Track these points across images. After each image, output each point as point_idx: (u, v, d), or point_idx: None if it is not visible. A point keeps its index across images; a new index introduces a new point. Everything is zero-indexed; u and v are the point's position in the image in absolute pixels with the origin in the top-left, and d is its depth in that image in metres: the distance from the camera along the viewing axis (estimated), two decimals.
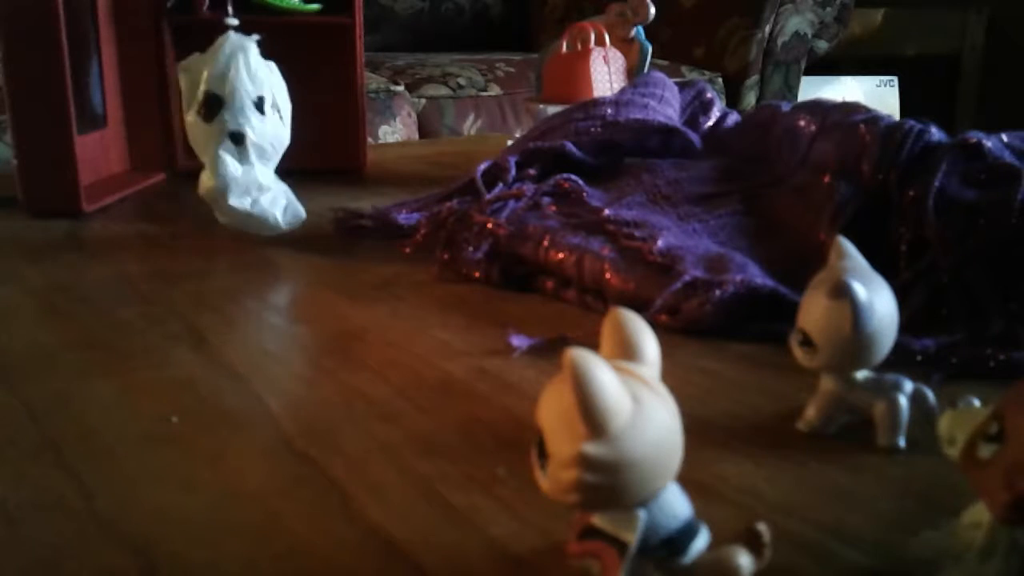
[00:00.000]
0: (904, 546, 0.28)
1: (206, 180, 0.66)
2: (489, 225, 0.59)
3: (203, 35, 0.89)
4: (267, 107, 0.66)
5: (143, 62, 0.89)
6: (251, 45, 0.66)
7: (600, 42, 0.89)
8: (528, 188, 0.64)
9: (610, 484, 0.24)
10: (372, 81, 1.63)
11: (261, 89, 0.66)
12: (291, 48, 0.94)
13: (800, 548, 0.30)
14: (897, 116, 0.70)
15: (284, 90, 0.68)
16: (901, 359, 0.39)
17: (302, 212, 0.67)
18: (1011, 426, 0.24)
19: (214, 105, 0.64)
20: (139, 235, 0.72)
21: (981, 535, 0.25)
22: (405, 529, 0.31)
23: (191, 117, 0.66)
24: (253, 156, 0.65)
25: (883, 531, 0.31)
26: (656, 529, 0.25)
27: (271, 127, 0.66)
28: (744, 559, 0.25)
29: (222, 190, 0.65)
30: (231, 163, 0.65)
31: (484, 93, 1.75)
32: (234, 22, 0.68)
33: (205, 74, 0.64)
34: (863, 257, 0.37)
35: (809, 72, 2.12)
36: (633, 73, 0.92)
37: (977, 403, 0.27)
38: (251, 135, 0.65)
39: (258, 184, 0.66)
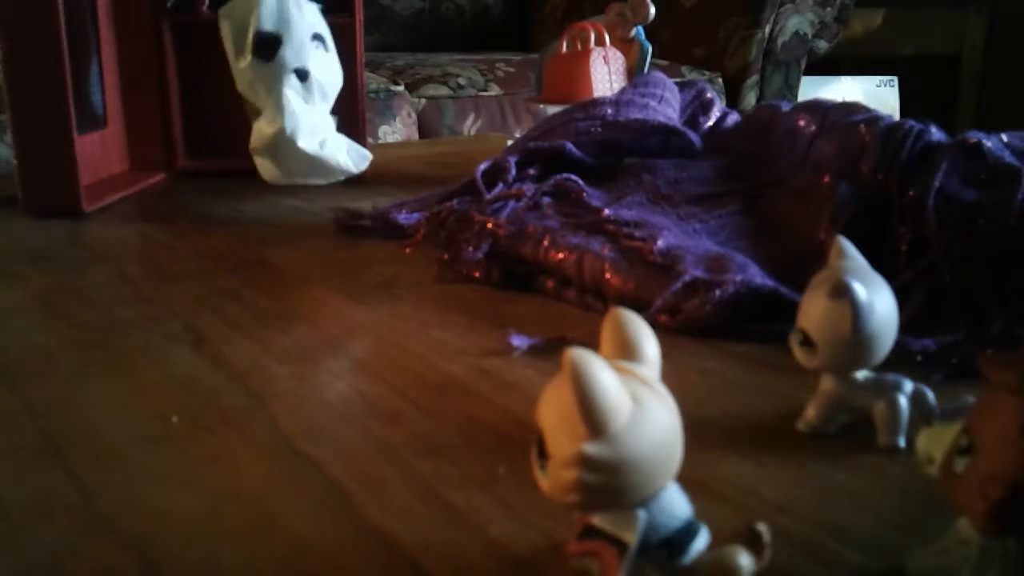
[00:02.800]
0: (902, 554, 0.28)
1: (266, 126, 0.62)
2: (489, 225, 0.59)
3: (203, 35, 0.89)
4: (323, 44, 0.63)
5: (143, 62, 0.89)
6: None
7: (600, 42, 0.89)
8: (528, 188, 0.64)
9: (610, 484, 0.24)
10: (372, 81, 1.63)
11: (315, 26, 0.63)
12: None
13: (800, 548, 0.30)
14: (897, 116, 0.70)
15: (327, 28, 0.65)
16: (901, 359, 0.39)
17: (368, 153, 0.64)
18: (978, 438, 0.25)
19: (271, 43, 0.62)
20: (139, 235, 0.72)
21: (974, 549, 0.25)
22: (405, 529, 0.31)
23: (245, 61, 0.62)
24: (317, 96, 0.63)
25: (883, 531, 0.31)
26: (656, 529, 0.25)
27: (330, 65, 0.64)
28: (744, 559, 0.25)
29: (291, 131, 0.61)
30: (298, 102, 0.62)
31: (484, 93, 1.75)
32: None
33: (256, 13, 0.61)
34: (863, 257, 0.37)
35: (809, 72, 2.12)
36: (633, 73, 0.92)
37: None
38: (314, 72, 0.62)
39: (325, 124, 0.63)
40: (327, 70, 0.63)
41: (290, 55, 0.61)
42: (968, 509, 0.25)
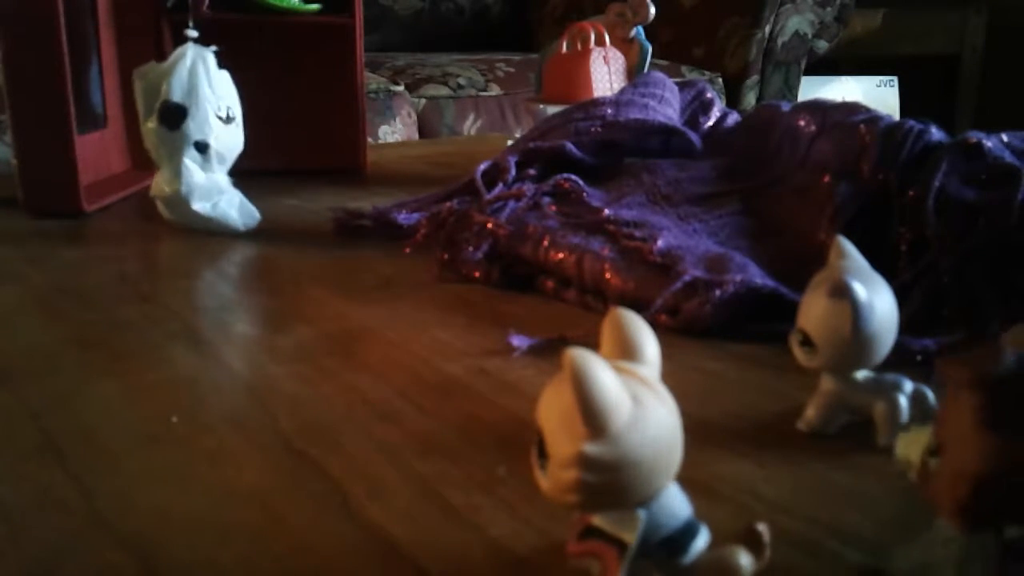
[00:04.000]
0: (885, 553, 0.29)
1: (164, 185, 0.69)
2: (489, 225, 0.59)
3: (203, 35, 0.89)
4: (225, 116, 0.69)
5: (143, 62, 0.88)
6: (210, 56, 0.69)
7: (600, 42, 0.89)
8: (528, 188, 0.64)
9: (610, 484, 0.24)
10: (372, 81, 1.63)
11: (223, 99, 0.69)
12: (291, 48, 0.94)
13: (800, 548, 0.30)
14: (897, 116, 0.70)
15: (236, 98, 0.71)
16: (901, 359, 0.39)
17: (256, 213, 0.71)
18: (944, 438, 0.25)
19: (177, 114, 0.67)
20: (139, 235, 0.72)
21: (955, 547, 0.25)
22: (405, 529, 0.31)
23: (151, 123, 0.68)
24: (214, 163, 0.69)
25: (883, 531, 0.31)
26: (656, 529, 0.25)
27: (231, 135, 0.70)
28: (744, 559, 0.25)
29: (186, 195, 0.68)
30: (196, 170, 0.68)
31: (484, 93, 1.75)
32: (194, 34, 0.70)
33: (165, 84, 0.67)
34: (863, 257, 0.37)
35: (809, 72, 2.12)
36: (633, 73, 0.92)
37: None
38: (214, 144, 0.68)
39: (218, 188, 0.69)
40: (227, 140, 0.69)
41: (193, 128, 0.67)
42: (942, 508, 0.25)
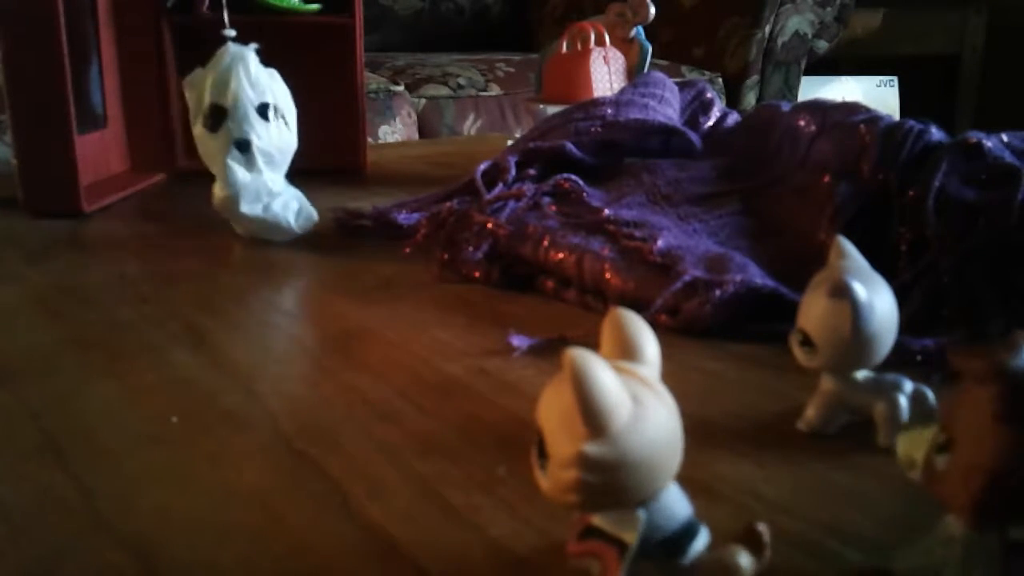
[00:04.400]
0: (888, 554, 0.29)
1: (218, 191, 0.66)
2: (489, 225, 0.59)
3: (203, 35, 0.89)
4: (270, 113, 0.66)
5: (143, 62, 0.89)
6: (250, 53, 0.67)
7: (600, 42, 0.89)
8: (528, 188, 0.64)
9: (610, 484, 0.24)
10: (372, 81, 1.63)
11: (263, 96, 0.66)
12: (291, 48, 0.94)
13: (800, 548, 0.30)
14: (897, 116, 0.70)
15: (288, 96, 0.69)
16: (901, 359, 0.39)
17: (314, 215, 0.68)
18: (955, 432, 0.25)
19: (218, 115, 0.65)
20: (139, 235, 0.72)
21: (957, 548, 0.25)
22: (405, 529, 0.31)
23: (198, 129, 0.66)
24: (261, 163, 0.66)
25: (883, 531, 0.31)
26: (656, 529, 0.25)
27: (276, 133, 0.67)
28: (744, 559, 0.25)
29: (233, 198, 0.65)
30: (239, 171, 0.66)
31: (484, 93, 1.75)
32: (232, 33, 0.69)
33: (208, 84, 0.65)
34: (863, 257, 0.37)
35: (809, 72, 2.12)
36: (633, 73, 0.92)
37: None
38: (256, 142, 0.66)
39: (268, 190, 0.66)
40: (273, 138, 0.67)
41: (232, 126, 0.66)
42: (953, 504, 0.25)
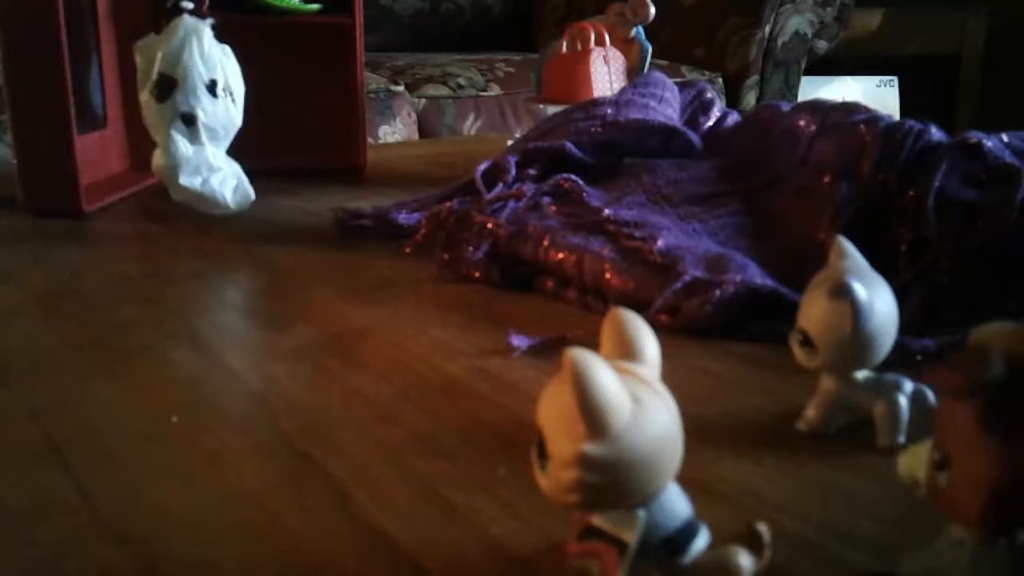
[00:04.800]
0: (896, 557, 0.29)
1: (158, 159, 0.68)
2: (489, 225, 0.59)
3: None
4: (219, 90, 0.67)
5: None
6: (205, 28, 0.68)
7: (600, 42, 0.89)
8: (528, 188, 0.64)
9: (610, 484, 0.24)
10: (372, 81, 1.63)
11: (213, 72, 0.67)
12: (291, 48, 0.94)
13: (800, 548, 0.30)
14: (897, 116, 0.70)
15: (238, 73, 0.70)
16: (901, 359, 0.39)
17: (251, 193, 0.69)
18: (948, 449, 0.25)
19: (167, 86, 0.66)
20: (139, 235, 0.72)
21: (965, 552, 0.25)
22: (405, 529, 0.31)
23: (144, 96, 0.67)
24: (204, 137, 0.67)
25: (883, 531, 0.31)
26: (656, 529, 0.25)
27: (222, 110, 0.68)
28: (744, 559, 0.25)
29: (173, 169, 0.67)
30: (182, 143, 0.67)
31: (484, 93, 1.75)
32: (188, 5, 0.69)
33: (159, 55, 0.66)
34: (863, 257, 0.37)
35: (809, 72, 2.12)
36: (633, 73, 0.92)
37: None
38: (202, 117, 0.67)
39: (208, 164, 0.68)
40: (220, 114, 0.68)
41: (180, 99, 0.66)
42: (962, 519, 0.25)
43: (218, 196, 0.68)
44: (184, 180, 0.67)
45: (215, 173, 0.68)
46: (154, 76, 0.66)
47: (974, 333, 0.25)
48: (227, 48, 0.69)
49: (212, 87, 0.67)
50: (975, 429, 0.23)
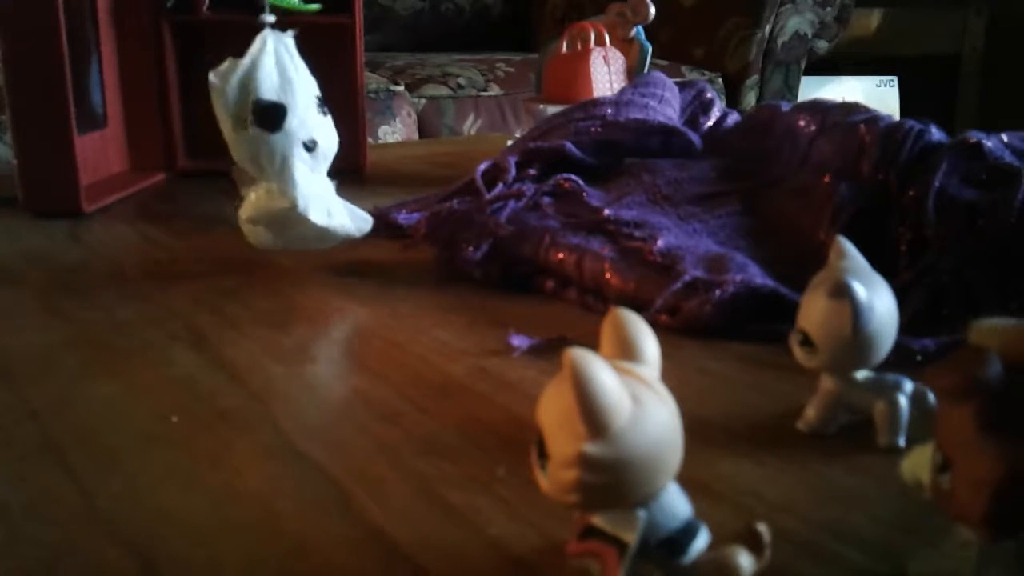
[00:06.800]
0: (905, 555, 0.28)
1: (269, 199, 0.57)
2: (489, 225, 0.59)
3: (203, 35, 0.89)
4: (322, 108, 0.58)
5: (143, 62, 0.89)
6: (292, 42, 0.58)
7: (600, 42, 0.89)
8: (528, 188, 0.64)
9: (610, 484, 0.24)
10: (372, 81, 1.63)
11: (315, 88, 0.58)
12: None
13: (800, 548, 0.30)
14: (897, 116, 0.70)
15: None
16: (901, 359, 0.39)
17: (369, 217, 0.60)
18: (949, 451, 0.25)
19: (275, 114, 0.56)
20: (139, 235, 0.72)
21: (973, 551, 0.25)
22: (405, 529, 0.31)
23: (246, 130, 0.56)
24: (321, 164, 0.58)
25: (883, 531, 0.31)
26: (656, 529, 0.25)
27: (329, 130, 0.59)
28: (744, 559, 0.25)
29: (304, 207, 0.56)
30: (307, 175, 0.57)
31: (484, 93, 1.75)
32: (271, 19, 0.58)
33: (253, 80, 0.56)
34: (863, 257, 0.37)
35: (809, 72, 2.12)
36: (633, 73, 0.92)
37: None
38: (321, 140, 0.57)
39: (330, 193, 0.58)
40: (328, 135, 0.58)
41: (296, 125, 0.56)
42: (967, 520, 0.25)
43: (345, 228, 0.58)
44: (315, 217, 0.56)
45: (334, 202, 0.58)
46: (251, 104, 0.55)
47: (973, 328, 0.25)
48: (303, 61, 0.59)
49: (321, 105, 0.58)
50: (974, 430, 0.23)
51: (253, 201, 0.57)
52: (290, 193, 0.56)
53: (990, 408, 0.23)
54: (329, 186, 0.59)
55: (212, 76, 0.57)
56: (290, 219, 0.57)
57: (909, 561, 0.28)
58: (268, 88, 0.56)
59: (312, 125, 0.56)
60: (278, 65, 0.56)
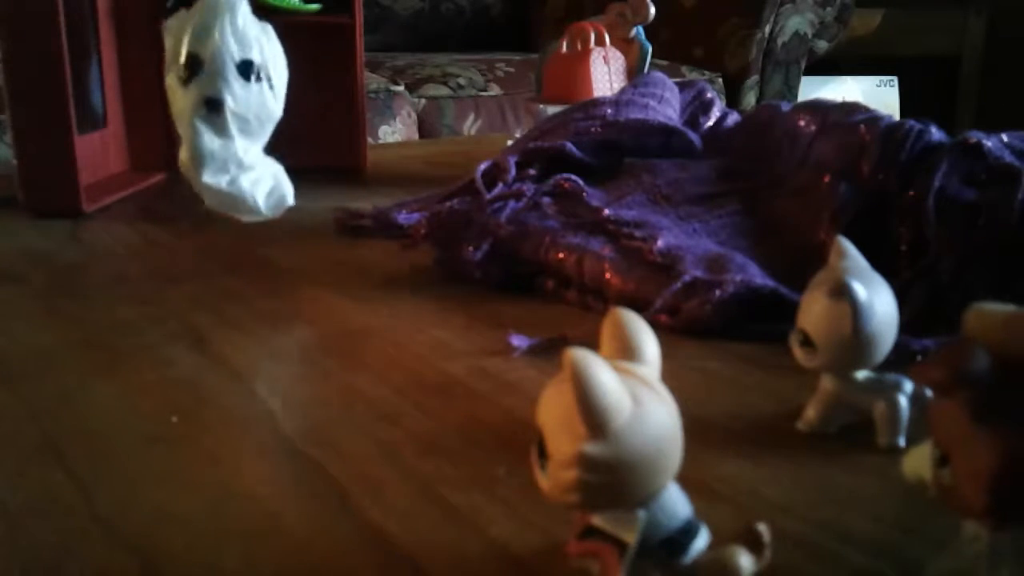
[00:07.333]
0: (922, 561, 0.28)
1: (182, 153, 0.58)
2: (489, 225, 0.59)
3: None
4: (253, 73, 0.57)
5: (143, 62, 0.89)
6: (242, 3, 0.57)
7: (600, 42, 0.89)
8: (528, 188, 0.64)
9: (610, 484, 0.24)
10: (372, 81, 1.63)
11: (247, 51, 0.57)
12: (291, 48, 0.94)
13: (800, 548, 0.30)
14: (897, 116, 0.70)
15: (280, 58, 0.59)
16: (901, 359, 0.39)
17: (289, 198, 0.60)
18: (945, 445, 0.25)
19: (194, 67, 0.56)
20: (139, 235, 0.72)
21: (984, 545, 0.25)
22: (405, 529, 0.31)
23: (170, 80, 0.57)
24: (233, 128, 0.57)
25: (883, 531, 0.31)
26: (656, 529, 0.25)
27: (256, 97, 0.57)
28: (744, 559, 0.25)
29: (196, 164, 0.57)
30: (206, 134, 0.57)
31: (484, 93, 1.75)
32: None
33: (188, 32, 0.56)
34: (863, 257, 0.37)
35: (809, 72, 2.12)
36: (633, 73, 0.92)
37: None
38: (230, 103, 0.56)
39: (238, 161, 0.57)
40: (252, 102, 0.57)
41: (204, 81, 0.55)
42: (971, 513, 0.25)
43: (248, 198, 0.58)
44: (208, 177, 0.57)
45: (246, 171, 0.58)
46: (182, 57, 0.56)
47: (967, 316, 0.25)
48: (268, 27, 0.59)
49: (245, 69, 0.56)
50: (967, 422, 0.24)
51: (179, 153, 0.58)
52: (187, 147, 0.57)
53: (982, 399, 0.23)
54: (248, 155, 0.58)
55: (163, 27, 0.58)
56: (191, 174, 0.57)
57: (924, 568, 0.28)
58: (195, 42, 0.56)
59: (223, 85, 0.56)
60: (212, 20, 0.56)
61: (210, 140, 0.57)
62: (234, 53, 0.56)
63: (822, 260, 0.37)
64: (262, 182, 0.59)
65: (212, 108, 0.56)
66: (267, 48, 0.58)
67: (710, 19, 2.01)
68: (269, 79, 0.58)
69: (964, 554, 0.26)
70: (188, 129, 0.57)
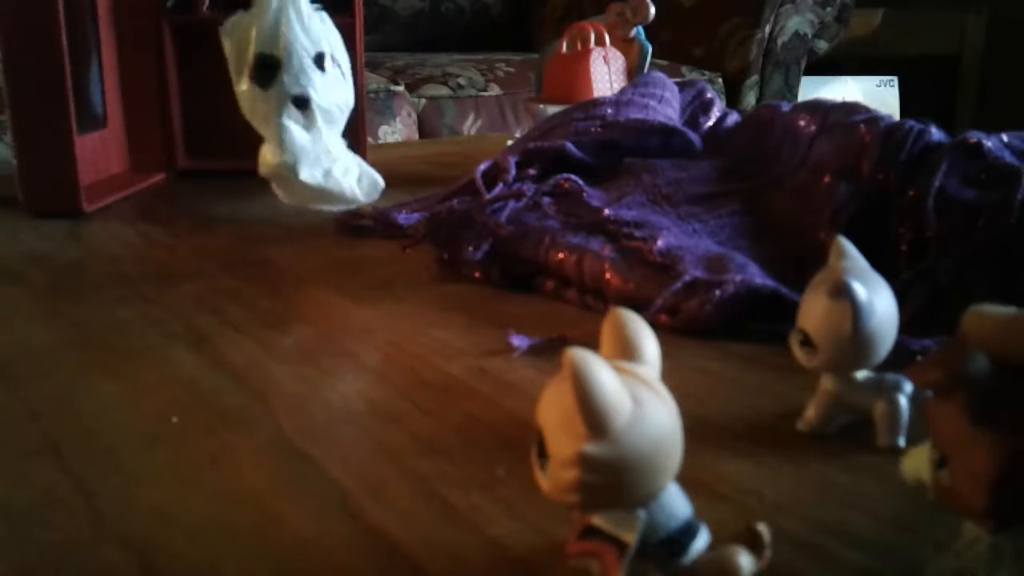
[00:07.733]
0: (904, 555, 0.28)
1: (269, 156, 0.58)
2: (489, 225, 0.59)
3: (203, 35, 0.89)
4: (327, 63, 0.58)
5: (143, 62, 0.89)
6: None
7: (600, 42, 0.89)
8: (528, 188, 0.64)
9: (610, 484, 0.24)
10: (372, 81, 1.63)
11: (319, 44, 0.58)
12: None
13: (800, 548, 0.30)
14: (897, 116, 0.70)
15: (341, 42, 0.60)
16: (901, 359, 0.39)
17: (380, 181, 0.60)
18: (944, 447, 0.25)
19: (269, 68, 0.57)
20: (139, 235, 0.72)
21: (984, 547, 0.25)
22: (405, 529, 0.31)
23: (244, 85, 0.57)
24: (320, 121, 0.58)
25: (883, 531, 0.31)
26: (656, 529, 0.25)
27: (335, 86, 0.58)
28: (744, 559, 0.25)
29: (292, 164, 0.57)
30: (298, 132, 0.57)
31: (484, 93, 1.75)
32: None
33: (253, 33, 0.56)
34: (863, 257, 0.37)
35: (809, 72, 2.12)
36: (633, 73, 0.92)
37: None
38: (315, 97, 0.57)
39: (328, 153, 0.58)
40: (332, 93, 0.57)
41: (288, 80, 0.56)
42: (971, 514, 0.25)
43: (345, 188, 0.58)
44: (306, 174, 0.57)
45: (336, 162, 0.58)
46: (250, 59, 0.56)
47: (965, 317, 0.25)
48: (325, 15, 0.59)
49: (319, 61, 0.57)
50: (965, 423, 0.24)
51: (261, 157, 0.58)
52: (278, 149, 0.57)
53: (979, 400, 0.23)
54: (336, 146, 0.58)
55: (221, 30, 0.57)
56: (286, 176, 0.58)
57: (925, 569, 0.28)
58: (264, 43, 0.56)
59: (306, 81, 0.56)
60: (276, 19, 0.56)
61: (301, 137, 0.57)
62: (308, 48, 0.57)
63: (822, 260, 0.37)
64: (351, 171, 0.59)
65: (300, 106, 0.57)
66: (330, 35, 0.59)
67: (710, 19, 2.02)
68: (339, 64, 0.59)
69: (964, 555, 0.26)
70: (277, 130, 0.57)
